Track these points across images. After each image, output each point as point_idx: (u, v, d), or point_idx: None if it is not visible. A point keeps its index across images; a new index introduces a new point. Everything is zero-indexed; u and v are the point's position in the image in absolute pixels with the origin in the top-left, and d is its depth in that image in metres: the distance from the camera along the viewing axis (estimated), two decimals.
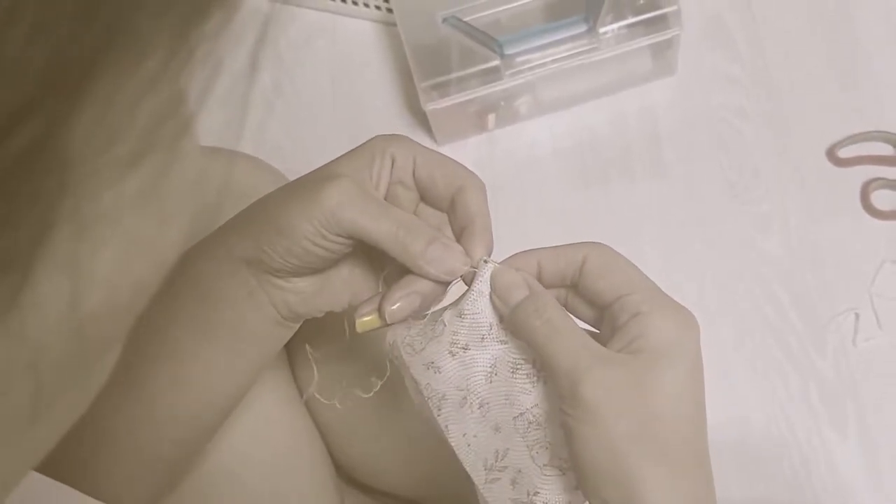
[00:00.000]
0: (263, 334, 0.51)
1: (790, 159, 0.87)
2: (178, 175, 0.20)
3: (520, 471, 0.45)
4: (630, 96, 0.91)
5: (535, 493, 0.45)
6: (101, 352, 0.22)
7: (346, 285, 0.50)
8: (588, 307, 0.46)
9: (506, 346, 0.45)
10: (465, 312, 0.45)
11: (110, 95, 0.17)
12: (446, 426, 0.46)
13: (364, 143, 0.49)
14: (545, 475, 0.44)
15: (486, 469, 0.45)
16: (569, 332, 0.43)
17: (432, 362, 0.45)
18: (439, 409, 0.46)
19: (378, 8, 0.94)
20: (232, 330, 0.50)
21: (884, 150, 0.86)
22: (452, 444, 0.46)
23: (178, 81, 0.19)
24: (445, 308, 0.46)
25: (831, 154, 0.86)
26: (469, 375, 0.45)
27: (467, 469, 0.45)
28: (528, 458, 0.45)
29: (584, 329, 0.44)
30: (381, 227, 0.45)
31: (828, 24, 0.92)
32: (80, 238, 0.18)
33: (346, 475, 0.70)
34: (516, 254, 0.46)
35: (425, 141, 0.90)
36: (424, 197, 0.49)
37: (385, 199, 0.48)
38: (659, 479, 0.40)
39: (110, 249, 0.19)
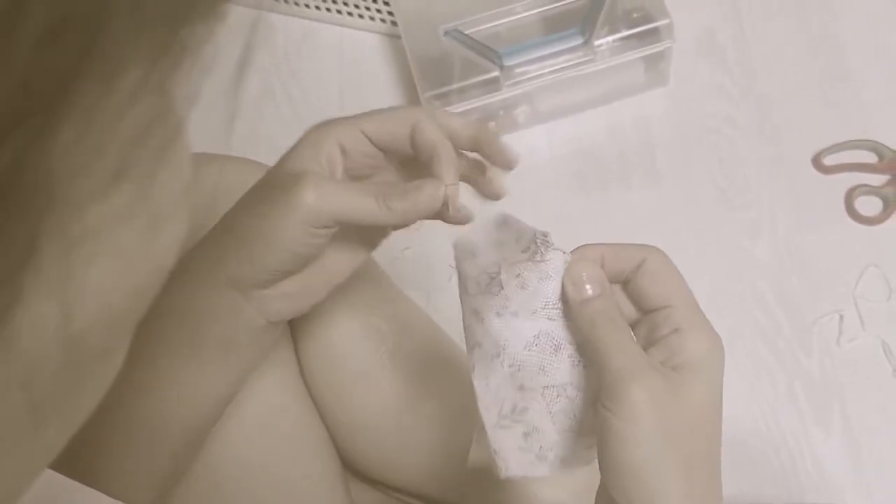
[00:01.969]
0: (251, 342, 0.51)
1: (778, 167, 0.88)
2: (167, 183, 0.20)
3: (536, 428, 0.45)
4: (624, 106, 0.91)
5: (550, 449, 0.45)
6: (100, 361, 0.22)
7: (322, 275, 0.50)
8: (631, 305, 0.46)
9: (553, 323, 0.45)
10: (528, 286, 0.45)
11: (91, 108, 0.17)
12: (473, 366, 0.46)
13: (301, 138, 0.49)
14: (564, 437, 0.45)
15: (499, 415, 0.46)
16: (626, 335, 0.43)
17: (478, 311, 0.46)
18: (472, 350, 0.46)
19: (383, 21, 0.95)
20: (219, 344, 0.50)
21: (867, 157, 0.87)
22: (474, 381, 0.46)
23: (164, 91, 0.18)
24: (501, 267, 0.46)
25: (817, 162, 0.87)
26: (509, 338, 0.45)
27: (480, 407, 0.46)
28: (549, 422, 0.45)
29: None
30: (362, 203, 0.46)
31: (814, 38, 0.93)
32: (69, 252, 0.18)
33: (352, 469, 0.70)
34: (584, 245, 0.47)
35: None
36: (389, 152, 0.50)
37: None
38: (680, 486, 0.41)
39: (101, 261, 0.19)
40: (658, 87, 0.92)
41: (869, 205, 0.85)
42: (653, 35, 0.85)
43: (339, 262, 0.51)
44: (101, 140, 0.17)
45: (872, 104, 0.89)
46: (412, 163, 0.50)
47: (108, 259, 0.19)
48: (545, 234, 0.47)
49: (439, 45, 0.86)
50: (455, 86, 0.84)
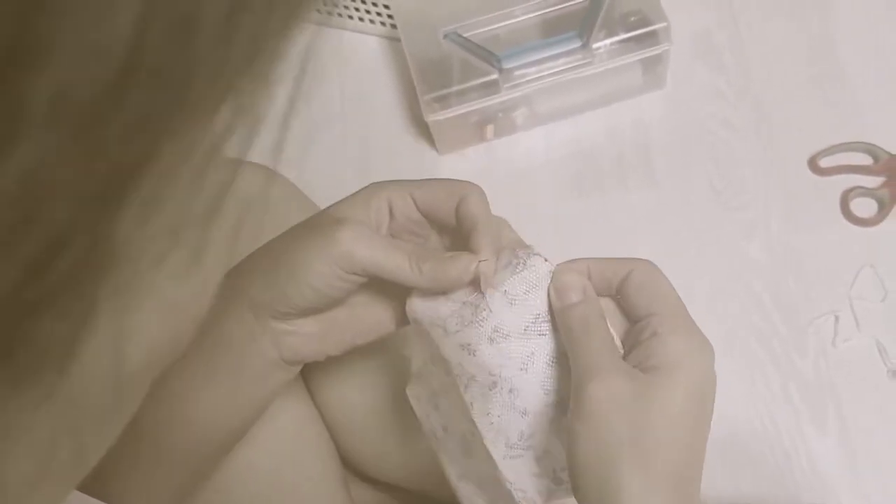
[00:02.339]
0: (264, 376, 0.51)
1: (774, 168, 0.88)
2: (216, 241, 0.20)
3: (546, 451, 0.45)
4: (622, 108, 0.91)
5: (564, 469, 0.45)
6: (136, 403, 0.22)
7: (347, 328, 0.50)
8: (622, 316, 0.47)
9: (544, 338, 0.46)
10: (516, 300, 0.45)
11: (164, 184, 0.17)
12: (471, 403, 0.46)
13: (361, 190, 0.49)
14: None
15: (507, 446, 0.46)
16: (600, 339, 0.44)
17: (468, 344, 0.46)
18: (466, 387, 0.46)
19: (383, 24, 0.95)
20: (232, 372, 0.50)
21: (863, 159, 0.87)
22: (475, 419, 0.46)
23: (230, 158, 0.18)
24: (483, 296, 0.46)
25: (813, 164, 0.87)
26: (503, 364, 0.45)
27: (487, 444, 0.46)
28: (557, 441, 0.45)
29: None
30: (395, 260, 0.46)
31: (811, 41, 0.93)
32: (127, 308, 0.18)
33: (352, 468, 0.70)
34: (569, 260, 0.47)
35: (428, 150, 0.91)
36: (431, 219, 0.50)
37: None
38: (638, 491, 0.40)
39: (153, 314, 0.19)
40: (656, 89, 0.92)
41: (864, 206, 0.85)
42: (650, 38, 0.85)
43: (364, 321, 0.51)
44: (171, 210, 0.17)
45: (868, 107, 0.89)
46: (454, 234, 0.50)
47: (159, 311, 0.19)
48: (528, 246, 0.47)
49: (439, 48, 0.86)
50: (454, 88, 0.84)
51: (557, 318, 0.46)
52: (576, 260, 0.47)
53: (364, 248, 0.46)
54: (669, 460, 0.41)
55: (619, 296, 0.46)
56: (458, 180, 0.49)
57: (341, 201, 0.50)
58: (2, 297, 0.15)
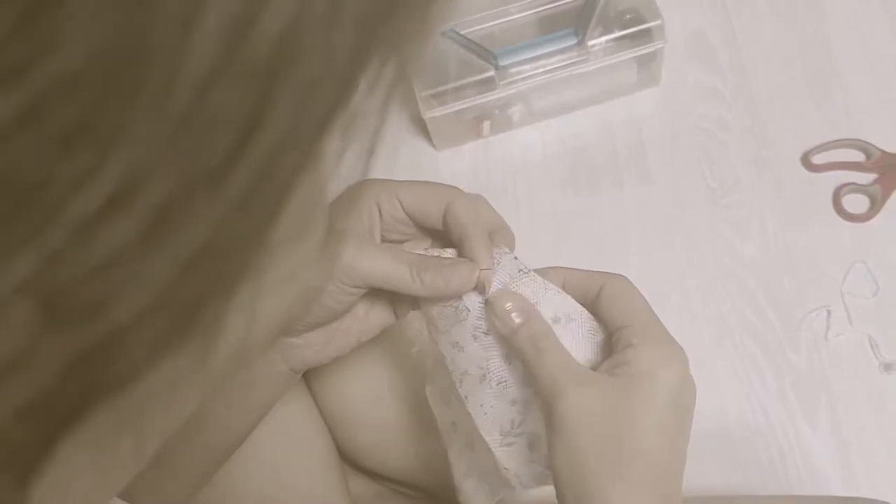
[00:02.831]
0: (273, 386, 0.52)
1: (767, 166, 0.89)
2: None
3: (538, 436, 0.47)
4: (617, 106, 0.92)
5: None
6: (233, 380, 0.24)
7: (352, 331, 0.51)
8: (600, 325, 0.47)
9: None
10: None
11: (309, 192, 0.19)
12: (466, 397, 0.48)
13: (346, 191, 0.48)
14: None
15: (501, 434, 0.48)
16: (552, 354, 0.44)
17: (457, 342, 0.48)
18: (461, 382, 0.48)
19: None
20: (242, 388, 0.51)
21: (855, 156, 0.88)
22: (471, 412, 0.48)
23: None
24: (461, 298, 0.48)
25: (806, 160, 0.88)
26: (489, 357, 0.47)
27: (483, 434, 0.47)
28: (543, 426, 0.46)
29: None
30: (397, 271, 0.46)
31: (803, 40, 0.94)
32: (261, 292, 0.19)
33: (349, 460, 0.70)
34: (548, 268, 0.48)
35: (425, 146, 0.91)
36: (417, 223, 0.50)
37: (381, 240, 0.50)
38: (614, 496, 0.41)
39: (279, 296, 0.21)
40: (650, 87, 0.92)
41: (856, 202, 0.86)
42: (645, 36, 0.85)
43: (368, 322, 0.52)
44: (307, 212, 0.19)
45: (860, 104, 0.90)
46: (440, 237, 0.51)
47: (284, 293, 0.21)
48: (501, 247, 0.48)
49: (436, 45, 0.85)
50: (451, 85, 0.84)
51: (507, 344, 0.46)
52: (552, 268, 0.48)
53: (367, 261, 0.46)
54: (647, 468, 0.42)
55: (594, 308, 0.47)
56: (442, 185, 0.49)
57: (336, 210, 0.49)
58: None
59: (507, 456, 0.48)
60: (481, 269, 0.47)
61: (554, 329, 0.46)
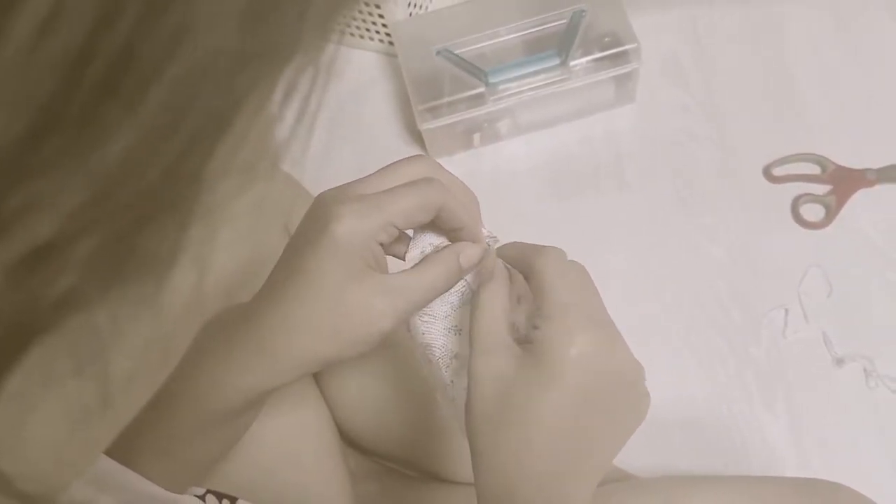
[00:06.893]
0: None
1: (732, 177, 0.90)
2: (274, 187, 0.21)
3: None
4: (596, 121, 0.94)
5: None
6: (193, 333, 0.23)
7: None
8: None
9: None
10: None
11: (245, 130, 0.18)
12: (452, 381, 0.47)
13: (349, 239, 0.43)
14: None
15: None
16: (488, 317, 0.43)
17: (456, 326, 0.47)
18: (448, 367, 0.47)
19: (381, 41, 0.97)
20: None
21: (812, 169, 0.90)
22: (456, 395, 0.47)
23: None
24: (465, 280, 0.47)
25: (767, 172, 0.90)
26: None
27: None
28: None
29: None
30: (437, 280, 0.45)
31: (766, 62, 0.96)
32: (211, 234, 0.19)
33: (349, 441, 0.71)
34: (506, 244, 0.48)
35: None
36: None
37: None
38: (489, 454, 0.41)
39: (225, 244, 0.20)
40: (626, 103, 0.94)
41: (813, 211, 0.88)
42: (622, 57, 0.87)
43: None
44: (245, 153, 0.18)
45: (817, 121, 0.92)
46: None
47: (230, 240, 0.20)
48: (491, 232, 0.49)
49: (432, 64, 0.88)
50: (445, 100, 0.86)
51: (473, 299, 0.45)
52: (510, 243, 0.48)
53: (405, 303, 0.44)
54: (541, 442, 0.40)
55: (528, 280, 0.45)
56: (429, 191, 0.45)
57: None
58: (117, 210, 0.16)
59: None
60: (489, 246, 0.47)
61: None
